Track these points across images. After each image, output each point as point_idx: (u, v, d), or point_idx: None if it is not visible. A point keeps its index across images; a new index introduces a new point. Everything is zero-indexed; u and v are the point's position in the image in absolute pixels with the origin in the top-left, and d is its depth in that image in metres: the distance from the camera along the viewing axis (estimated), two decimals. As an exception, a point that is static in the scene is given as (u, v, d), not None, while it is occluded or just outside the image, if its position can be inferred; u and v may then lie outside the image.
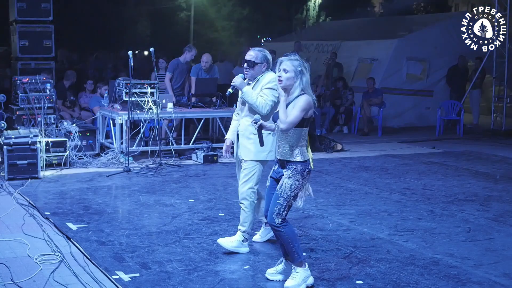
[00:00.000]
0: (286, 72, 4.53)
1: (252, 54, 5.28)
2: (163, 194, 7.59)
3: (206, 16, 27.77)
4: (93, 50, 19.07)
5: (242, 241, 5.39)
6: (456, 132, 13.85)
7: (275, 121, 4.67)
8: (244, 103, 5.40)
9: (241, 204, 5.40)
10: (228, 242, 5.38)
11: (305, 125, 4.59)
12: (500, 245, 5.80)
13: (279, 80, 4.55)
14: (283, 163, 4.63)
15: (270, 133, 5.16)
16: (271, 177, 4.78)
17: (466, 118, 14.50)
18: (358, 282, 4.77)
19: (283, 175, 4.61)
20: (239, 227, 5.43)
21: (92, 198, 7.36)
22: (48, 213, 6.59)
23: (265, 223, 5.51)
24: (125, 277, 4.76)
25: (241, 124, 5.42)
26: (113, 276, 4.76)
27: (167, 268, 5.01)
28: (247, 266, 5.03)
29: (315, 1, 31.24)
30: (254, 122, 4.64)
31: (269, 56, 5.36)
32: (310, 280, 4.71)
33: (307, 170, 4.60)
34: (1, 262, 5.00)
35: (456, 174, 9.21)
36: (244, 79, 5.40)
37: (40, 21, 11.23)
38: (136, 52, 21.73)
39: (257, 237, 5.69)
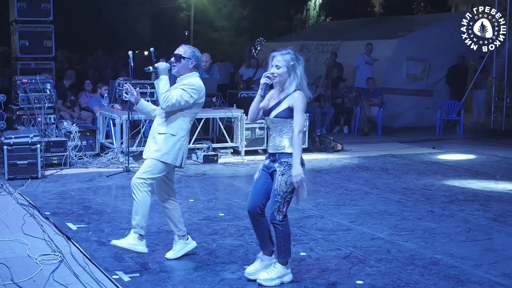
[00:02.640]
0: (278, 68, 4.50)
1: (180, 49, 5.12)
2: (163, 194, 7.57)
3: (206, 16, 27.77)
4: (93, 50, 19.07)
5: (138, 238, 5.00)
6: (456, 132, 13.85)
7: (266, 116, 4.62)
8: None
9: (132, 195, 5.01)
10: (124, 243, 5.00)
11: None
12: (500, 245, 5.80)
13: (273, 77, 4.50)
14: (275, 156, 4.57)
15: (174, 135, 4.99)
16: (261, 169, 4.70)
17: (466, 118, 14.49)
18: (358, 282, 4.77)
19: (275, 170, 4.56)
20: (132, 220, 5.05)
21: (92, 198, 7.36)
22: (48, 213, 6.59)
23: (179, 236, 5.27)
24: (125, 277, 4.76)
25: (154, 121, 5.20)
26: (113, 276, 4.76)
27: (167, 268, 5.01)
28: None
29: (315, 1, 31.23)
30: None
31: (198, 54, 5.15)
32: (287, 278, 4.73)
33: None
34: (1, 262, 5.00)
35: (456, 174, 9.21)
36: (173, 77, 5.23)
37: (40, 21, 11.23)
38: (136, 52, 21.72)
39: (170, 254, 5.25)
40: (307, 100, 4.58)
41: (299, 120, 4.47)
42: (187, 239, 5.33)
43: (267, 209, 4.64)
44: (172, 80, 5.09)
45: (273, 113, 4.56)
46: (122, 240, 5.02)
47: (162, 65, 5.11)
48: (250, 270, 4.74)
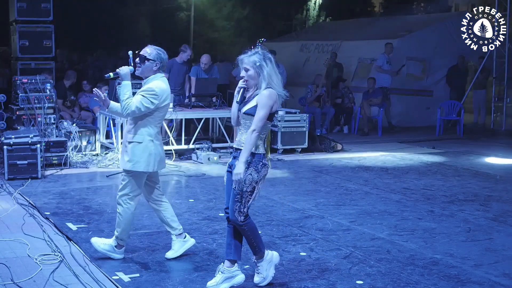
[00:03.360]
0: (247, 71, 4.45)
1: (146, 50, 5.05)
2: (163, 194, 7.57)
3: (206, 16, 27.75)
4: (93, 50, 19.06)
5: (115, 246, 5.17)
6: (456, 132, 13.85)
7: (238, 110, 4.53)
8: None
9: (117, 209, 5.20)
10: (100, 243, 5.19)
11: (270, 119, 4.49)
12: (500, 245, 5.80)
13: (245, 81, 4.47)
14: (237, 152, 4.48)
15: (141, 143, 4.99)
16: (227, 171, 4.64)
17: (466, 118, 14.48)
18: (358, 282, 4.77)
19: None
20: (115, 231, 5.22)
21: (92, 198, 7.36)
22: (48, 213, 6.59)
23: (176, 235, 5.27)
24: (125, 278, 4.76)
25: (125, 128, 5.20)
26: (113, 277, 4.77)
27: (167, 268, 5.02)
28: (247, 266, 5.03)
29: (315, 1, 31.20)
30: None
31: (164, 56, 5.04)
32: (276, 258, 4.71)
33: (261, 163, 4.45)
34: (1, 262, 5.00)
35: (456, 174, 9.21)
36: (140, 77, 5.18)
37: (40, 21, 11.23)
38: (136, 52, 21.69)
39: (169, 254, 5.27)
40: (284, 98, 4.53)
41: (259, 117, 4.38)
42: (185, 237, 5.33)
43: (229, 211, 4.55)
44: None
45: (244, 109, 4.50)
46: (101, 241, 5.22)
47: (123, 69, 5.06)
48: (212, 283, 4.58)
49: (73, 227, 6.10)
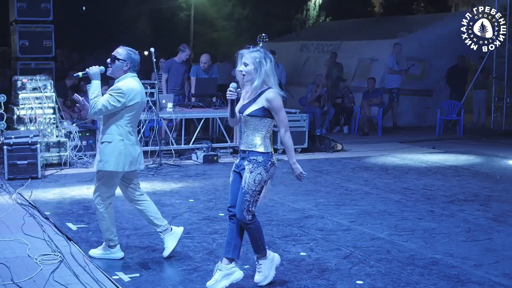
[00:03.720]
0: (246, 66, 4.45)
1: (118, 51, 5.08)
2: (163, 194, 7.59)
3: (206, 16, 27.76)
4: (93, 50, 19.07)
5: (109, 246, 5.18)
6: (456, 132, 13.84)
7: (240, 112, 4.54)
8: None
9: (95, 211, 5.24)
10: (96, 252, 5.24)
11: (273, 117, 4.51)
12: (500, 245, 5.80)
13: (242, 75, 4.47)
14: (245, 154, 4.50)
15: (110, 142, 4.99)
16: (233, 171, 4.64)
17: (466, 118, 14.48)
18: (358, 282, 4.77)
19: (244, 168, 4.49)
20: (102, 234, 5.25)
21: (92, 198, 7.34)
22: (48, 213, 6.59)
23: (162, 232, 5.23)
24: (125, 278, 4.76)
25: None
26: (113, 277, 4.77)
27: (167, 268, 5.02)
28: (247, 266, 5.03)
29: (315, 1, 31.20)
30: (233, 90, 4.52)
31: (135, 56, 5.08)
32: (277, 260, 4.73)
33: (270, 162, 4.48)
34: (1, 262, 5.00)
35: (456, 174, 9.21)
36: (110, 77, 5.16)
37: (40, 21, 11.24)
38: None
39: (166, 252, 5.22)
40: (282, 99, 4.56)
41: (283, 119, 4.47)
42: (171, 230, 5.29)
43: (236, 210, 4.53)
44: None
45: (247, 111, 4.49)
46: (95, 250, 5.25)
47: (93, 69, 5.10)
48: (211, 283, 4.56)
49: (73, 227, 6.10)
